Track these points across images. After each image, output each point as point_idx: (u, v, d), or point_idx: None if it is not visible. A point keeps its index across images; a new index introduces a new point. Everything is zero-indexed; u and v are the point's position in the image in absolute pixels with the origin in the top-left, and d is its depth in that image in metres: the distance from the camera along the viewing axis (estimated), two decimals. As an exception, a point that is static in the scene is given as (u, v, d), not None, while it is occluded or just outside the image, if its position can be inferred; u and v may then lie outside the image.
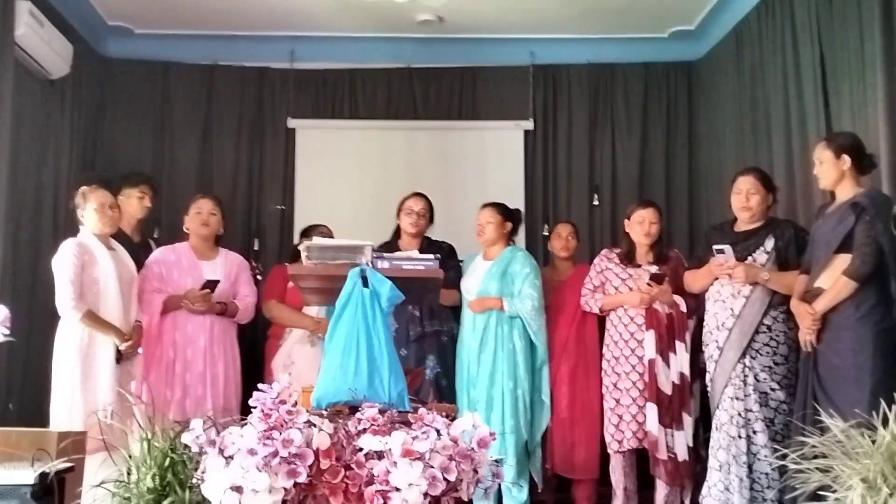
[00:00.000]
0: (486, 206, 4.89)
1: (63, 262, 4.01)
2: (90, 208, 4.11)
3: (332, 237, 4.60)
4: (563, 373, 4.72)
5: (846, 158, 3.69)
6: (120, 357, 4.04)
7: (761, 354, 3.99)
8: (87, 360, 3.97)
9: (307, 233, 5.10)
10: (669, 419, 4.29)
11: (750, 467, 3.93)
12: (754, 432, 3.94)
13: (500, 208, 4.87)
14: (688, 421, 4.31)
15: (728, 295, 4.09)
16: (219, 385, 4.36)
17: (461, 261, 4.99)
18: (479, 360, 4.66)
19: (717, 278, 4.15)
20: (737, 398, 3.97)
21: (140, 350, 4.19)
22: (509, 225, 4.86)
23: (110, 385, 3.94)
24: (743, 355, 3.99)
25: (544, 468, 4.71)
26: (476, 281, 4.77)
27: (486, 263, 4.82)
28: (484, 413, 4.52)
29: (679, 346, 4.36)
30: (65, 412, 3.90)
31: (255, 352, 4.90)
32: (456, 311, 4.90)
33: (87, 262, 4.04)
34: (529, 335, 4.68)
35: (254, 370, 4.67)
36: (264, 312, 4.87)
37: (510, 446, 4.53)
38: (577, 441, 4.66)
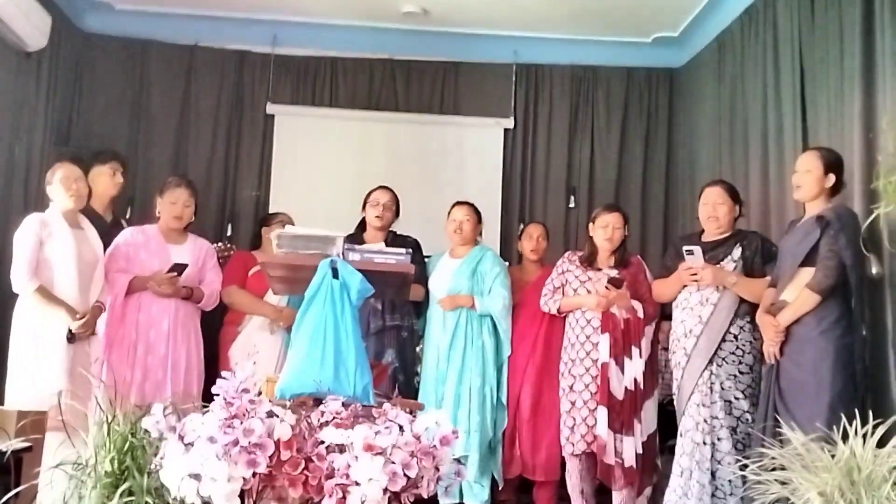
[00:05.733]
0: (463, 203, 4.90)
1: (22, 236, 4.01)
2: (56, 180, 4.10)
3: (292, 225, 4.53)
4: (528, 373, 4.69)
5: (832, 176, 3.69)
6: (72, 337, 3.99)
7: (727, 363, 4.01)
8: (39, 338, 3.94)
9: (267, 221, 5.07)
10: (620, 424, 4.27)
11: (713, 474, 3.94)
12: (719, 439, 3.95)
13: (475, 208, 4.91)
14: (638, 428, 4.29)
15: (696, 302, 4.11)
16: (179, 370, 4.30)
17: (427, 256, 4.97)
18: (449, 357, 4.67)
19: (685, 286, 4.16)
20: (703, 405, 3.98)
21: (98, 332, 4.15)
22: (481, 226, 4.92)
23: (63, 365, 3.92)
24: (710, 362, 4.00)
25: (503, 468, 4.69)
26: (446, 279, 4.78)
27: (454, 261, 4.83)
28: (452, 410, 4.52)
29: (634, 351, 4.35)
30: (17, 390, 3.86)
31: (212, 338, 4.80)
32: (416, 305, 4.87)
33: (46, 239, 4.03)
34: (499, 333, 4.70)
35: (209, 356, 4.59)
36: (223, 298, 4.74)
37: (475, 444, 4.55)
38: (540, 442, 4.64)
